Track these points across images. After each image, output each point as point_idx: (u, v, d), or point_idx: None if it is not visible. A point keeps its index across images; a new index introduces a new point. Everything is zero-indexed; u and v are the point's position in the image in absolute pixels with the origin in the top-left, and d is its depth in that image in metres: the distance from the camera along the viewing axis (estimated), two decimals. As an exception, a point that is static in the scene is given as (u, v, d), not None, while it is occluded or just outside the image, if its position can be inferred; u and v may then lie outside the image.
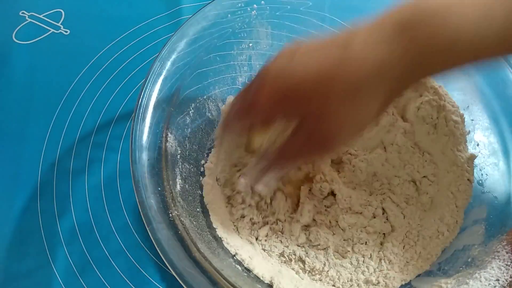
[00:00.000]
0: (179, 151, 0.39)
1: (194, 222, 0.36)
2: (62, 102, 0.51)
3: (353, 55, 0.29)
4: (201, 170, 0.42)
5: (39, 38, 0.56)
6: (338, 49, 0.30)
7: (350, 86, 0.30)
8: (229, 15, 0.42)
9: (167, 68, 0.38)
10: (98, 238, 0.43)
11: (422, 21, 0.28)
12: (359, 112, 0.31)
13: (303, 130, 0.32)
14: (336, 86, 0.30)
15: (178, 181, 0.37)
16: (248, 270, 0.37)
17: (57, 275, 0.42)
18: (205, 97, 0.43)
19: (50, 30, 0.56)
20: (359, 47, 0.29)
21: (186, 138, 0.40)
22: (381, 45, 0.29)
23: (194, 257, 0.32)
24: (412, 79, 0.30)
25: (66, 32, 0.56)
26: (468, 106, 0.44)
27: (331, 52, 0.30)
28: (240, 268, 0.37)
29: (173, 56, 0.39)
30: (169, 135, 0.37)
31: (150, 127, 0.36)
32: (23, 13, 0.57)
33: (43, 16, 0.57)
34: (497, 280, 0.33)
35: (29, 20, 0.57)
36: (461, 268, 0.36)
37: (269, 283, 0.36)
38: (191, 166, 0.41)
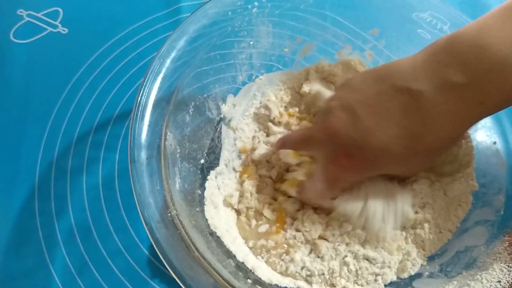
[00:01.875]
0: (178, 150, 0.38)
1: (193, 222, 0.36)
2: (60, 101, 0.51)
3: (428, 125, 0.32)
4: (201, 169, 0.42)
5: (37, 37, 0.55)
6: (406, 113, 0.32)
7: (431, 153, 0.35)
8: (229, 13, 0.41)
9: (166, 66, 0.38)
10: (96, 238, 0.43)
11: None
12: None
13: None
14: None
15: (177, 180, 0.37)
16: (248, 272, 0.37)
17: (55, 276, 0.41)
18: (205, 95, 0.43)
19: (48, 29, 0.56)
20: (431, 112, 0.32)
21: (186, 137, 0.40)
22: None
23: (193, 257, 0.32)
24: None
25: (64, 31, 0.56)
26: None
27: (403, 122, 0.32)
28: (240, 269, 0.36)
29: (173, 54, 0.38)
30: (168, 133, 0.36)
31: (149, 126, 0.35)
32: (20, 12, 0.57)
33: (41, 14, 0.57)
34: (499, 281, 0.33)
35: (27, 19, 0.57)
36: (463, 270, 0.36)
37: (270, 283, 0.36)
38: (191, 165, 0.40)
